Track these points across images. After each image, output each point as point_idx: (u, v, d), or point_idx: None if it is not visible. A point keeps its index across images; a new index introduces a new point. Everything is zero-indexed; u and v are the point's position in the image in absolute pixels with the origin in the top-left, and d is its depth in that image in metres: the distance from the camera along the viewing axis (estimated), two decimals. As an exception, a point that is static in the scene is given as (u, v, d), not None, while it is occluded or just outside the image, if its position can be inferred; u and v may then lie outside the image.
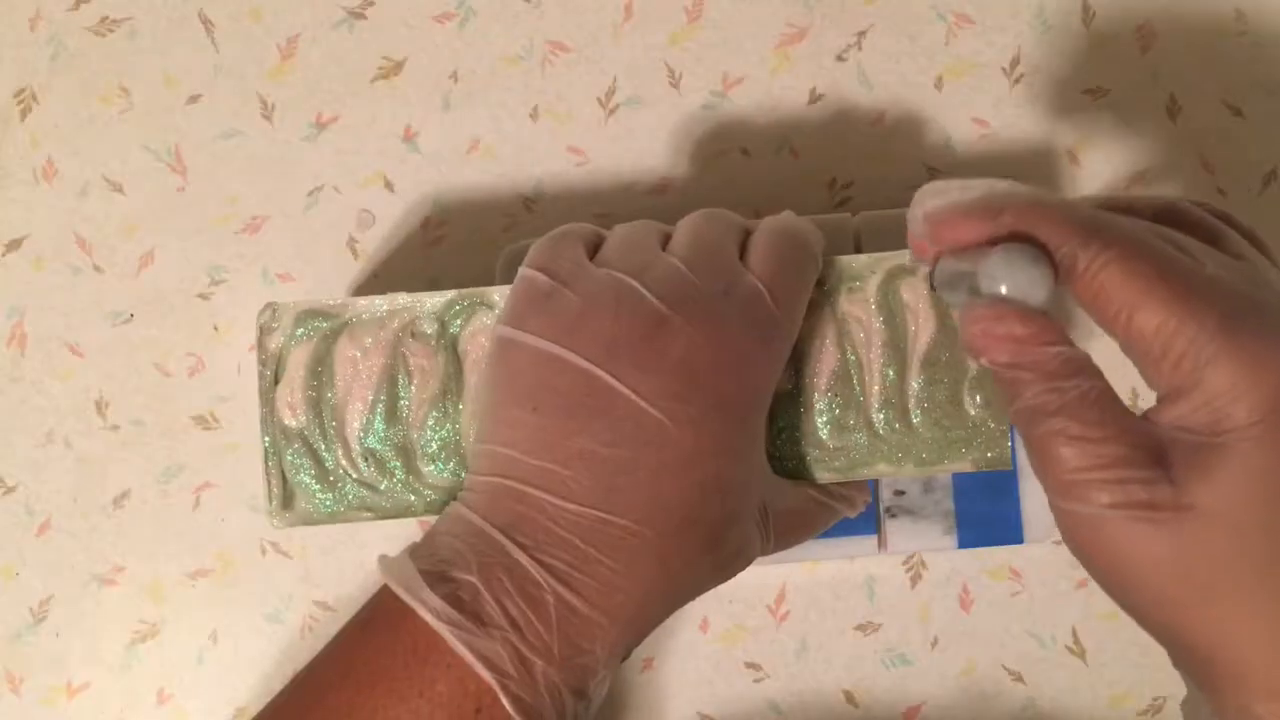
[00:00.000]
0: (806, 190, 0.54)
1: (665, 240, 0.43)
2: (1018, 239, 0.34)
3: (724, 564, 0.41)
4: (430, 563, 0.38)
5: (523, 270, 0.42)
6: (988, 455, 0.44)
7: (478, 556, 0.38)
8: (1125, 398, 0.37)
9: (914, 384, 0.44)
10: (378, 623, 0.39)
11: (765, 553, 0.42)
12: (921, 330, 0.44)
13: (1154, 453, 0.33)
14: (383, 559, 0.40)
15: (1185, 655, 0.35)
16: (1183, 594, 0.33)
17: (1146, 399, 0.41)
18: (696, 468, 0.39)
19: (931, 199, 0.37)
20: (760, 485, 0.42)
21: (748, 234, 0.43)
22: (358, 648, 0.39)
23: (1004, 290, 0.34)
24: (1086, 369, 0.34)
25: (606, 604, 0.38)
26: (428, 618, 0.37)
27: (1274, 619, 0.32)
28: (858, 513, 0.47)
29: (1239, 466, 0.32)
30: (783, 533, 0.43)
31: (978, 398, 0.44)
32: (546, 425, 0.39)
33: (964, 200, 0.36)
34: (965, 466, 0.44)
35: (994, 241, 0.35)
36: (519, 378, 0.40)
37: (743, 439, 0.40)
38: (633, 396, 0.38)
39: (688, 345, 0.39)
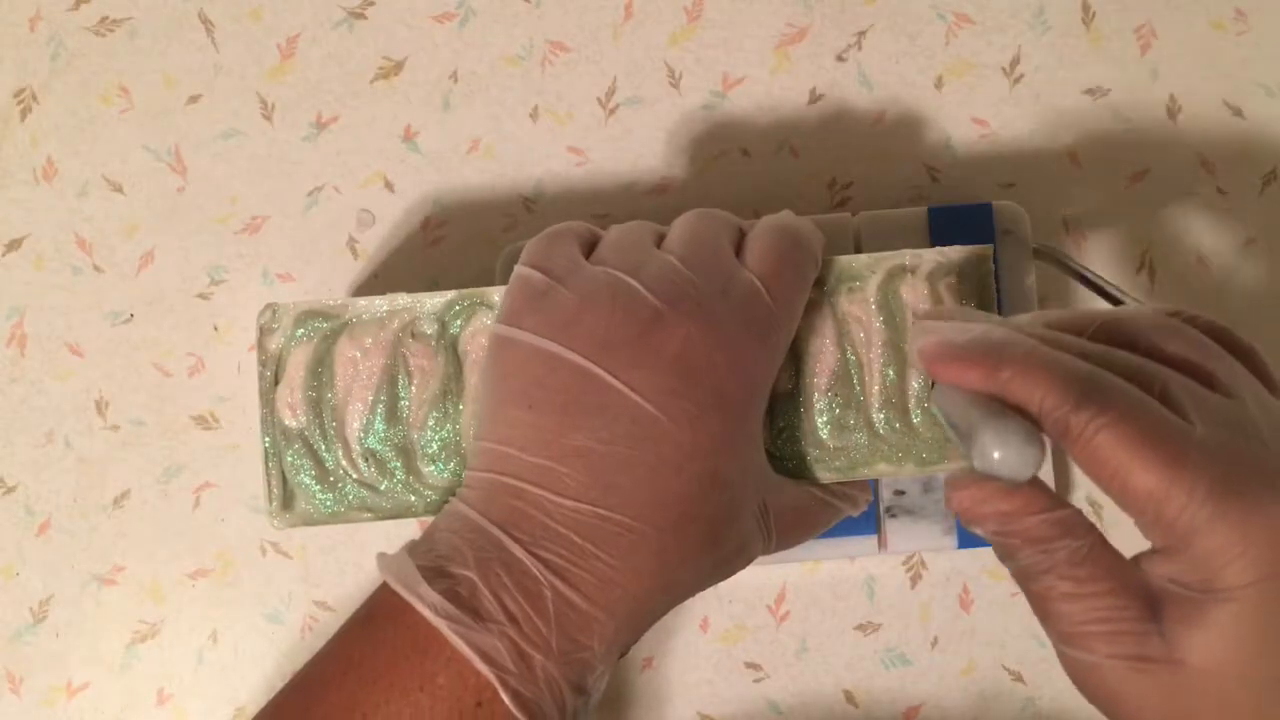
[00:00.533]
0: (806, 190, 0.54)
1: (660, 240, 0.43)
2: (1011, 398, 0.35)
3: (723, 560, 0.41)
4: (429, 559, 0.39)
5: (518, 268, 0.42)
6: None
7: (475, 552, 0.38)
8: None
9: (914, 384, 0.44)
10: (378, 619, 0.39)
11: (767, 551, 0.42)
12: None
13: (1147, 602, 0.34)
14: (381, 556, 0.40)
15: None
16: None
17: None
18: (694, 463, 0.39)
19: (927, 337, 0.38)
20: (759, 482, 0.42)
21: (743, 233, 0.43)
22: (358, 644, 0.39)
23: (995, 469, 0.35)
24: (1075, 528, 0.35)
25: (604, 599, 0.38)
26: (426, 613, 0.37)
27: None
28: (860, 511, 0.46)
29: (1228, 626, 0.33)
30: (784, 531, 0.43)
31: None
32: (543, 422, 0.39)
33: (961, 344, 0.37)
34: (966, 467, 0.44)
35: (991, 395, 0.36)
36: (515, 375, 0.40)
37: (741, 436, 0.40)
38: (629, 393, 0.38)
39: (684, 342, 0.39)
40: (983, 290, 0.44)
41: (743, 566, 0.42)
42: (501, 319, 0.41)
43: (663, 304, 0.39)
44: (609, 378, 0.39)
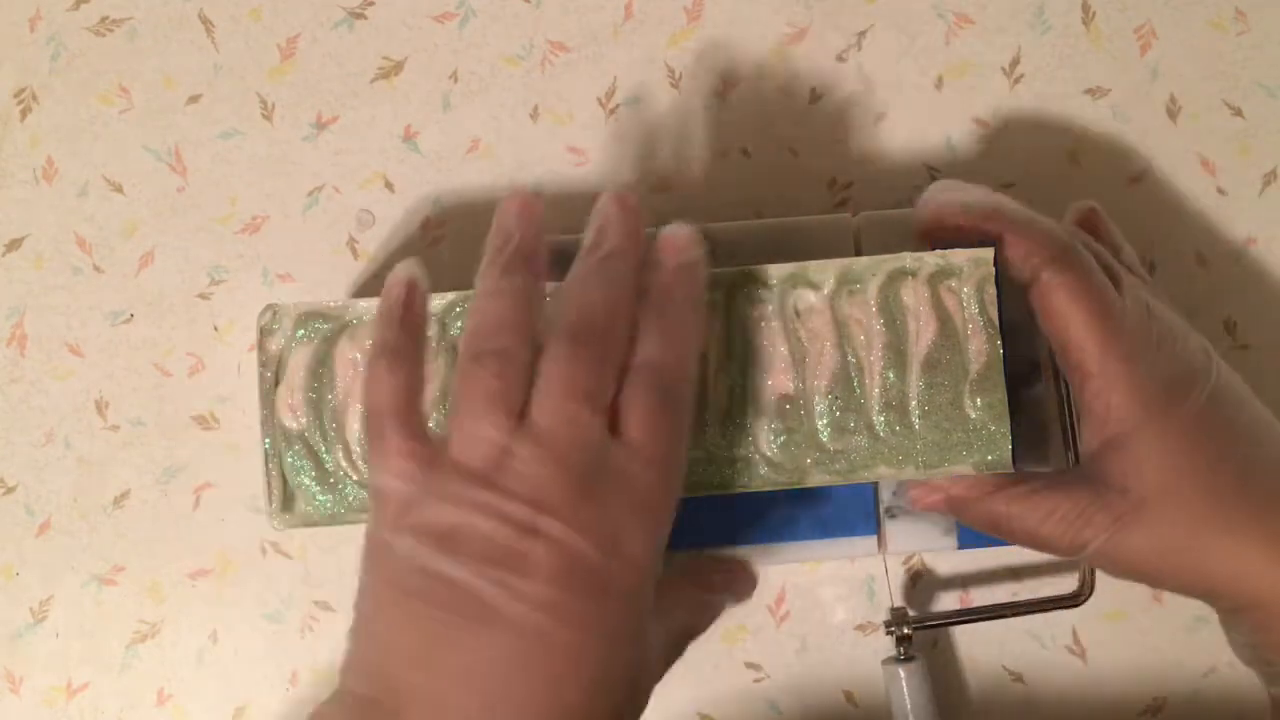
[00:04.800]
0: (806, 190, 0.54)
1: (530, 303, 0.40)
2: (1002, 247, 0.44)
3: None
4: None
5: (379, 479, 0.39)
6: (988, 458, 0.44)
7: None
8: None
9: (914, 386, 0.44)
10: None
11: (656, 683, 0.41)
12: (922, 332, 0.44)
13: (1093, 483, 0.43)
14: None
15: (1214, 600, 0.44)
16: (1181, 561, 0.43)
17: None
18: (585, 670, 0.37)
19: (936, 195, 0.45)
20: (650, 642, 0.40)
21: (630, 335, 0.40)
22: None
23: None
24: (1000, 482, 0.45)
25: None
26: None
27: (1240, 535, 0.42)
28: (743, 600, 0.45)
29: (1143, 449, 0.42)
30: (672, 658, 0.42)
31: (978, 400, 0.44)
32: (423, 639, 0.37)
33: (969, 200, 0.45)
34: (966, 469, 0.44)
35: (982, 236, 0.44)
36: (394, 585, 0.38)
37: (632, 618, 0.39)
38: (511, 605, 0.36)
39: (561, 548, 0.37)
40: (984, 293, 0.44)
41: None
42: (374, 522, 0.39)
43: (533, 515, 0.37)
44: (491, 591, 0.36)
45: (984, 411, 0.44)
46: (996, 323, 0.44)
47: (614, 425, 0.39)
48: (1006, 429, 0.44)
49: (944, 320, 0.44)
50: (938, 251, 0.44)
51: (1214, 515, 0.42)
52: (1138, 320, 0.43)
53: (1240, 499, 0.42)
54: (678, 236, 0.42)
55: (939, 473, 0.44)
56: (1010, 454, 0.44)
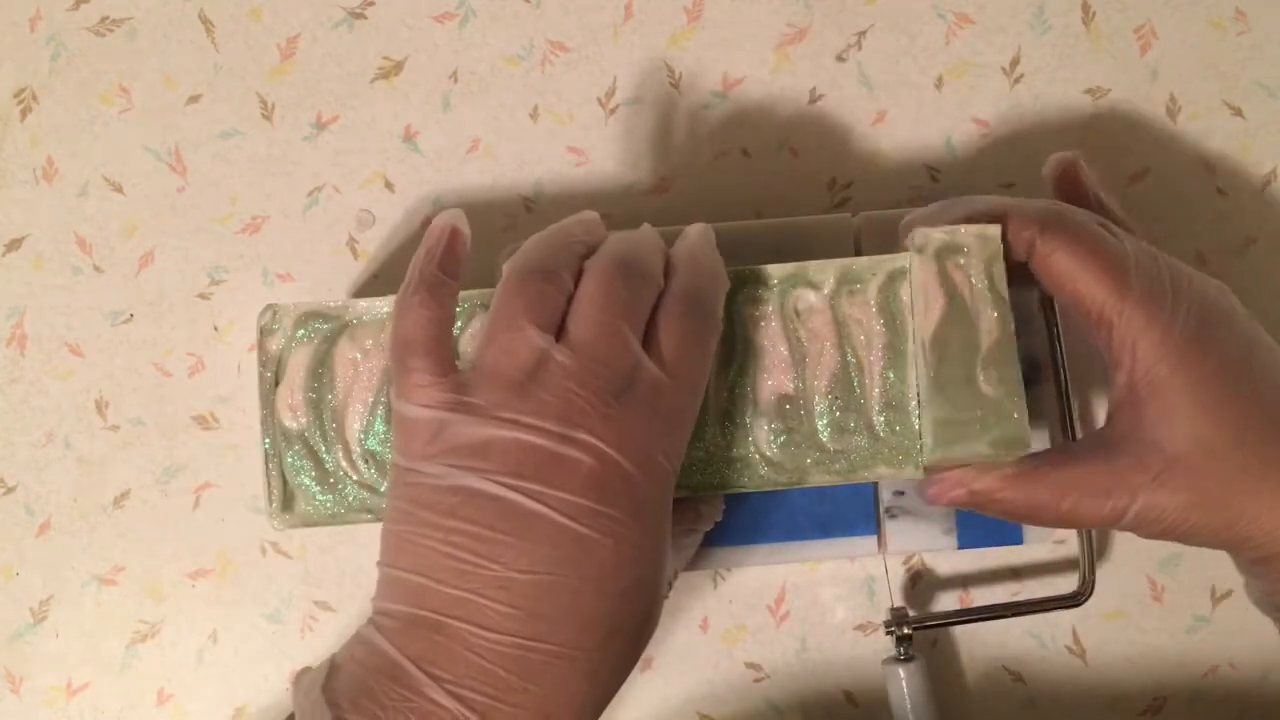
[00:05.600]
0: (806, 190, 0.54)
1: (582, 258, 0.42)
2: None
3: (640, 653, 0.40)
4: (345, 701, 0.37)
5: (407, 410, 0.40)
6: (1005, 435, 0.43)
7: (391, 700, 0.37)
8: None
9: (925, 365, 0.44)
10: None
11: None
12: (930, 309, 0.43)
13: (1121, 446, 0.42)
14: (298, 683, 0.39)
15: (1241, 549, 0.43)
16: (1213, 513, 0.42)
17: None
18: (619, 578, 0.38)
19: (917, 214, 0.45)
20: (670, 561, 0.41)
21: (660, 286, 0.42)
22: None
23: None
24: (1020, 466, 0.43)
25: None
26: None
27: (1274, 483, 0.41)
28: (709, 525, 0.48)
29: (1174, 397, 0.41)
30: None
31: (993, 375, 0.43)
32: (460, 554, 0.38)
33: (947, 204, 0.45)
34: (982, 448, 0.43)
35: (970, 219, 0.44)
36: (427, 506, 0.39)
37: (660, 534, 0.40)
38: (549, 515, 0.38)
39: (595, 458, 0.38)
40: (992, 269, 0.43)
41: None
42: (402, 452, 0.40)
43: (568, 427, 0.38)
44: (527, 502, 0.38)
45: (998, 387, 0.43)
46: (1006, 298, 0.43)
47: (647, 344, 0.40)
48: (1022, 404, 0.43)
49: (952, 296, 0.43)
50: (944, 227, 0.43)
51: (1248, 464, 0.41)
52: (1147, 262, 0.42)
53: (1271, 447, 0.41)
54: (694, 235, 0.45)
55: (955, 455, 0.43)
56: (1027, 430, 0.43)
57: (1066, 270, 0.42)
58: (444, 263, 0.42)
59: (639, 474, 0.39)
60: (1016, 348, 0.43)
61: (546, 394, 0.38)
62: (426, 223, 0.54)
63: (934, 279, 0.43)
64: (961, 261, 0.43)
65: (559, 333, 0.40)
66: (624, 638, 0.39)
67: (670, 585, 0.43)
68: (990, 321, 0.43)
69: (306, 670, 0.40)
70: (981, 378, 0.43)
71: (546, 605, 0.37)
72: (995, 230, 0.43)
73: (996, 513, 0.44)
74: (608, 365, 0.39)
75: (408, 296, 0.41)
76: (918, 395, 0.44)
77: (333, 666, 0.39)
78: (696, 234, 0.44)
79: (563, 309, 0.40)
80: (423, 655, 0.38)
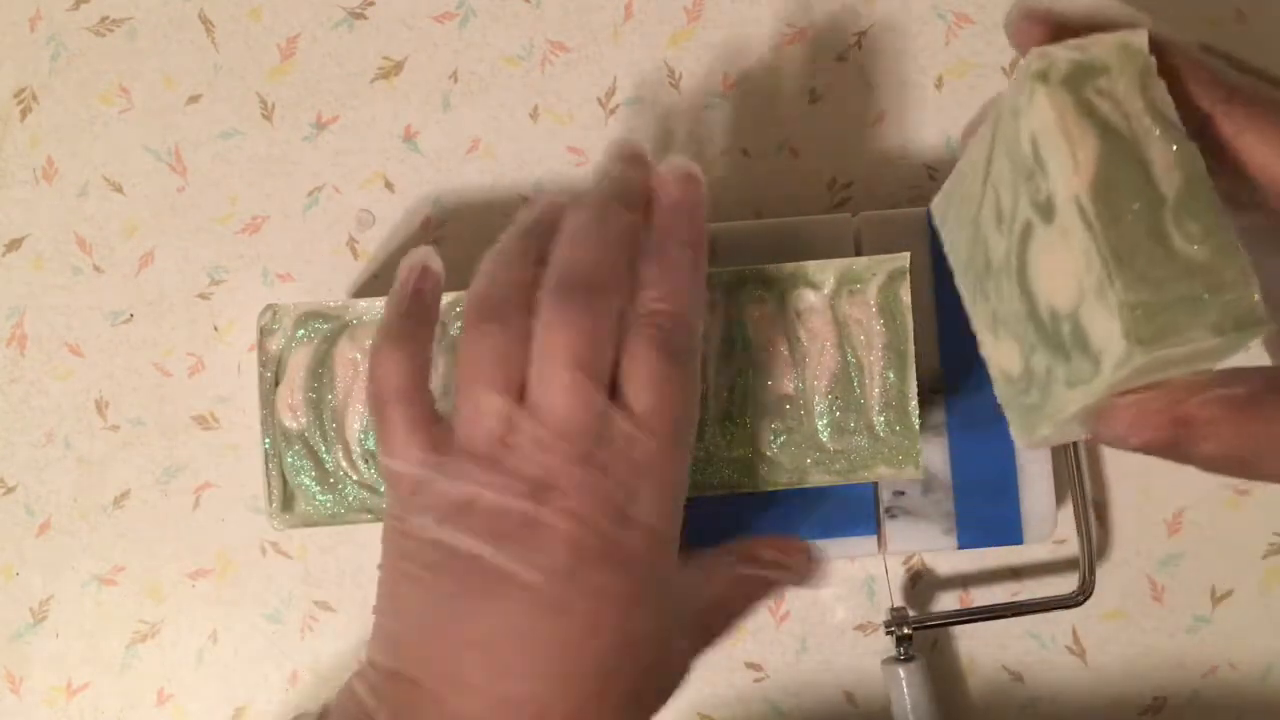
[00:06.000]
0: (806, 190, 0.54)
1: (539, 264, 0.39)
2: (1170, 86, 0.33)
3: (650, 707, 0.39)
4: None
5: (389, 463, 0.40)
6: (1236, 311, 0.32)
7: None
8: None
9: (915, 386, 0.44)
10: None
11: (696, 658, 0.41)
12: (1074, 189, 0.34)
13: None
14: None
15: None
16: None
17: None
18: (600, 636, 0.37)
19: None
20: (677, 606, 0.40)
21: (637, 248, 0.39)
22: None
23: None
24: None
25: None
26: None
27: None
28: (805, 583, 0.43)
29: None
30: (711, 632, 0.41)
31: (1190, 228, 0.33)
32: (438, 611, 0.37)
33: (1115, 13, 0.35)
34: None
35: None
36: (409, 558, 0.38)
37: (650, 582, 0.38)
38: (524, 575, 0.37)
39: (572, 522, 0.37)
40: (1151, 90, 0.34)
41: (672, 694, 0.40)
42: (390, 499, 0.40)
43: (541, 492, 0.37)
44: (505, 563, 0.37)
45: (1204, 243, 0.32)
46: (1180, 124, 0.33)
47: (617, 387, 0.38)
48: (1245, 260, 0.31)
49: (1105, 131, 0.33)
50: (1070, 42, 0.33)
51: None
52: None
53: None
54: (675, 170, 0.41)
55: (1163, 356, 0.31)
56: (1260, 301, 0.31)
57: (1270, 159, 0.34)
58: (412, 307, 0.41)
59: (620, 530, 0.37)
60: (1213, 187, 0.32)
61: (517, 461, 0.37)
62: (427, 223, 0.54)
63: (1072, 113, 0.32)
64: (1104, 85, 0.33)
65: (524, 388, 0.38)
66: (613, 697, 0.38)
67: (696, 651, 0.41)
68: (1168, 158, 0.32)
69: (303, 716, 0.39)
70: (1177, 235, 0.32)
71: (522, 665, 0.37)
72: (1142, 38, 0.33)
73: (1205, 457, 0.33)
74: (573, 427, 0.37)
75: (377, 347, 0.41)
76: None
77: (323, 713, 0.39)
78: (671, 206, 0.41)
79: (523, 359, 0.38)
80: (399, 712, 0.37)
